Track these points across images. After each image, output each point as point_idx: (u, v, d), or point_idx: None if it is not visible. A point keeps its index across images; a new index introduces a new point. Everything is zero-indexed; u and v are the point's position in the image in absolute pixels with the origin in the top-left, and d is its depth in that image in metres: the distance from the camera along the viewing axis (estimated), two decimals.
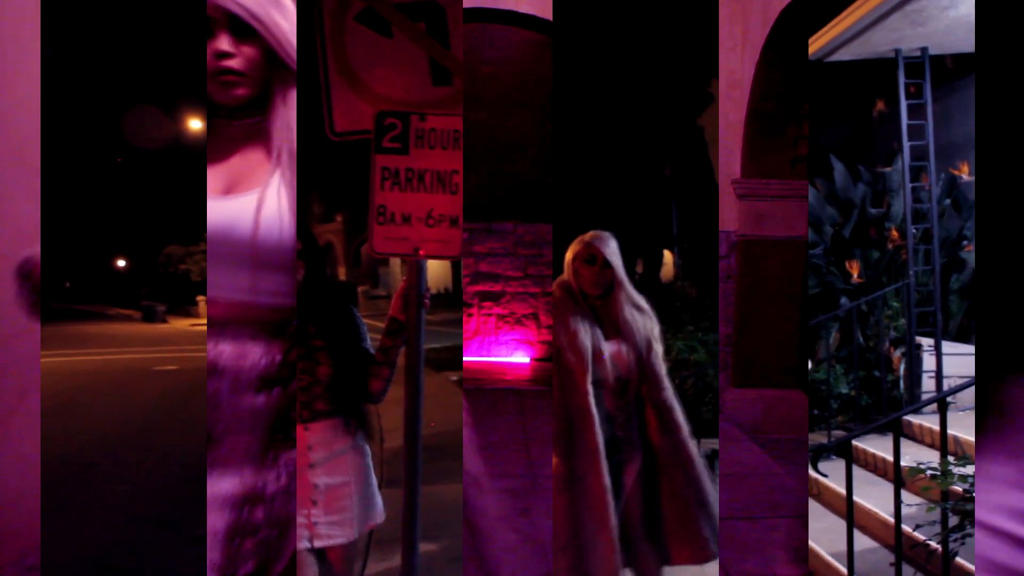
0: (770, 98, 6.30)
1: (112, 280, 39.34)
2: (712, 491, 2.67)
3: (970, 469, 2.82)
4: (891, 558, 3.15)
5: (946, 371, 5.40)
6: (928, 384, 5.48)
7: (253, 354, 1.71)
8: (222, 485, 1.65)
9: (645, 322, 2.73)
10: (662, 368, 2.74)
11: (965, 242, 6.00)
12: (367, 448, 2.50)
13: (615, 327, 2.70)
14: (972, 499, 2.80)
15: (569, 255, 2.74)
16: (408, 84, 2.46)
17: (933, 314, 5.55)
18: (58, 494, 5.54)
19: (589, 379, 2.59)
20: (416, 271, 2.45)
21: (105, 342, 18.47)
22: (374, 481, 2.53)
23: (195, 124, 27.20)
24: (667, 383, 2.73)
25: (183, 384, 10.71)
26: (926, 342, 5.62)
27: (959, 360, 5.51)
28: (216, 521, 1.65)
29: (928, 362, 5.56)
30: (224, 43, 1.75)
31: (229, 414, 1.67)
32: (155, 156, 31.79)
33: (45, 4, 3.56)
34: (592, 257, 2.67)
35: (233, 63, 1.76)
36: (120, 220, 37.61)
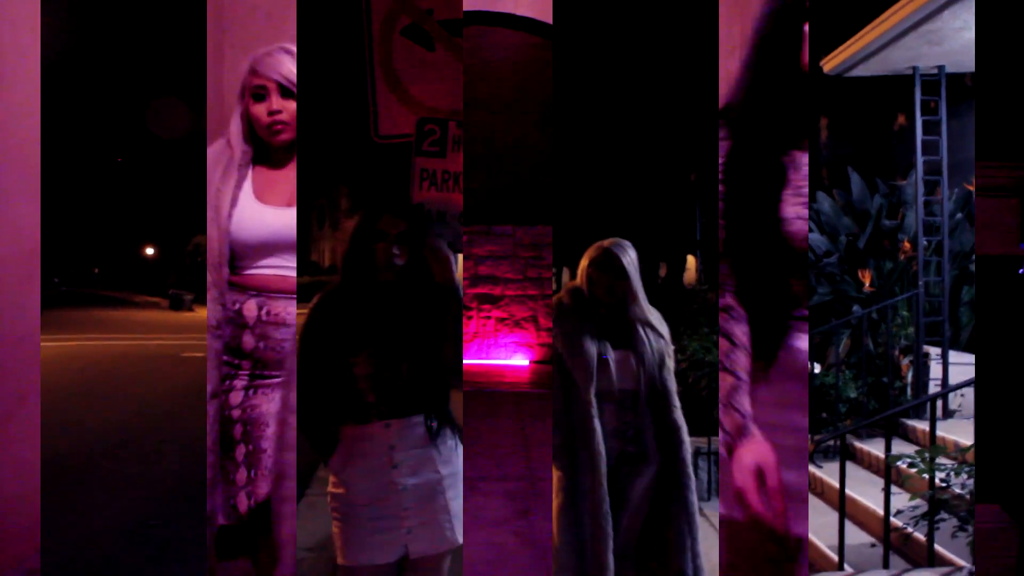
0: None
1: (140, 268, 40.02)
2: (698, 518, 2.62)
3: (944, 460, 3.02)
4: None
5: (953, 379, 5.55)
6: (934, 391, 5.64)
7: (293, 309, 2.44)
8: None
9: (657, 337, 2.67)
10: (672, 386, 2.67)
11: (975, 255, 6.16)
12: (458, 449, 2.37)
13: (624, 339, 2.64)
14: (947, 489, 3.01)
15: (585, 260, 2.68)
16: (447, 93, 2.70)
17: (942, 324, 5.72)
18: (96, 468, 5.85)
19: (592, 390, 2.57)
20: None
21: (133, 328, 18.92)
22: (461, 490, 2.39)
23: None
24: (676, 402, 2.66)
25: None
26: (934, 351, 5.78)
27: (966, 369, 5.67)
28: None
29: (935, 370, 5.72)
30: (276, 103, 2.41)
31: (292, 348, 2.40)
32: (185, 148, 32.31)
33: (47, 5, 3.52)
34: (608, 264, 2.62)
35: (282, 116, 2.42)
36: (150, 209, 38.25)
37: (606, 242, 2.66)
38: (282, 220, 2.42)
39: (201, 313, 25.12)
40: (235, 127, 2.43)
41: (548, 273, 9.55)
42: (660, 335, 2.67)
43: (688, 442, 2.64)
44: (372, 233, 2.30)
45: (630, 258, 2.63)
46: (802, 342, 1.92)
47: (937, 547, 3.03)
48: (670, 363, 2.67)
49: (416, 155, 2.67)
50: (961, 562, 2.96)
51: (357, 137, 2.73)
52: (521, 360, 9.52)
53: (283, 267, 2.44)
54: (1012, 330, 3.29)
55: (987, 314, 3.38)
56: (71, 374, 10.39)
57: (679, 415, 2.65)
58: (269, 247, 2.41)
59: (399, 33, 2.69)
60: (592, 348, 2.59)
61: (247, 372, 2.40)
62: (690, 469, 2.62)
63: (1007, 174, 3.48)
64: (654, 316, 2.69)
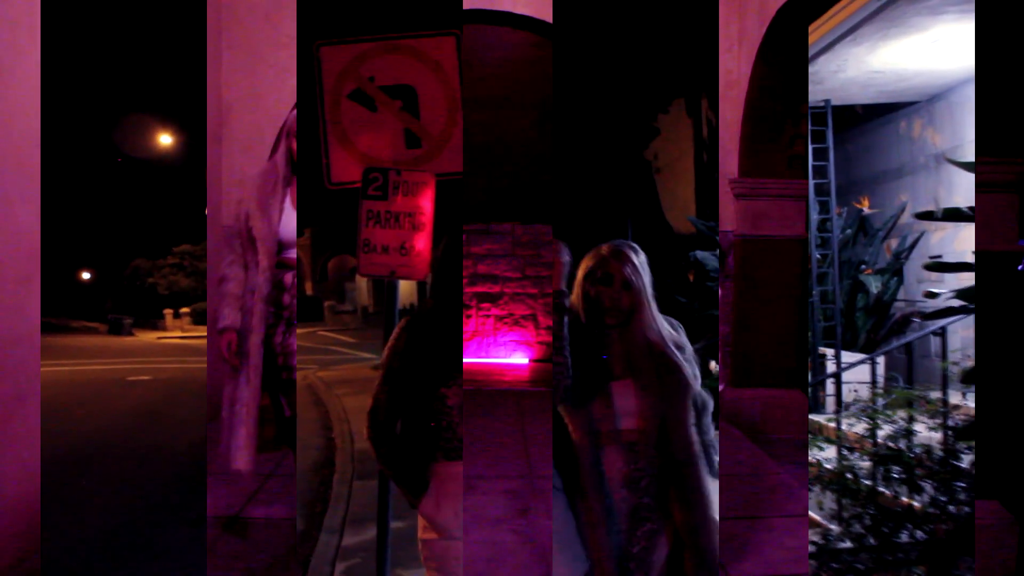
0: (767, 97, 6.25)
1: (76, 292, 39.25)
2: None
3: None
4: None
5: (846, 376, 6.23)
6: (829, 387, 6.34)
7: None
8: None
9: (670, 359, 2.20)
10: (690, 419, 2.20)
11: (864, 266, 6.91)
12: None
13: (631, 365, 2.18)
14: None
15: (581, 272, 2.24)
16: (388, 147, 3.23)
17: (835, 328, 6.43)
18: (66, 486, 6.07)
19: (587, 433, 2.16)
20: (391, 289, 3.22)
21: (74, 353, 18.66)
22: None
23: (165, 139, 27.73)
24: (695, 438, 2.20)
25: (159, 392, 11.24)
26: (830, 352, 6.49)
27: (859, 368, 6.36)
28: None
29: (831, 368, 6.43)
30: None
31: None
32: (124, 169, 32.01)
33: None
34: (608, 276, 2.19)
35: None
36: (86, 232, 37.59)
37: (604, 248, 2.23)
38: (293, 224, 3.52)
39: (141, 337, 24.97)
40: (283, 157, 3.50)
41: (547, 271, 9.39)
42: (676, 349, 2.22)
43: (715, 501, 2.20)
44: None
45: (635, 264, 2.20)
46: None
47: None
48: (688, 391, 2.21)
49: (363, 198, 3.19)
50: (826, 523, 3.58)
51: (314, 183, 3.25)
52: (521, 358, 9.46)
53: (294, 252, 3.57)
54: (1012, 326, 3.29)
55: (987, 310, 3.35)
56: None
57: (698, 455, 2.19)
58: (293, 242, 3.52)
59: (345, 97, 3.21)
60: (582, 387, 2.16)
61: (285, 319, 3.48)
62: (715, 525, 2.18)
63: (1006, 170, 3.45)
64: (668, 335, 2.24)
